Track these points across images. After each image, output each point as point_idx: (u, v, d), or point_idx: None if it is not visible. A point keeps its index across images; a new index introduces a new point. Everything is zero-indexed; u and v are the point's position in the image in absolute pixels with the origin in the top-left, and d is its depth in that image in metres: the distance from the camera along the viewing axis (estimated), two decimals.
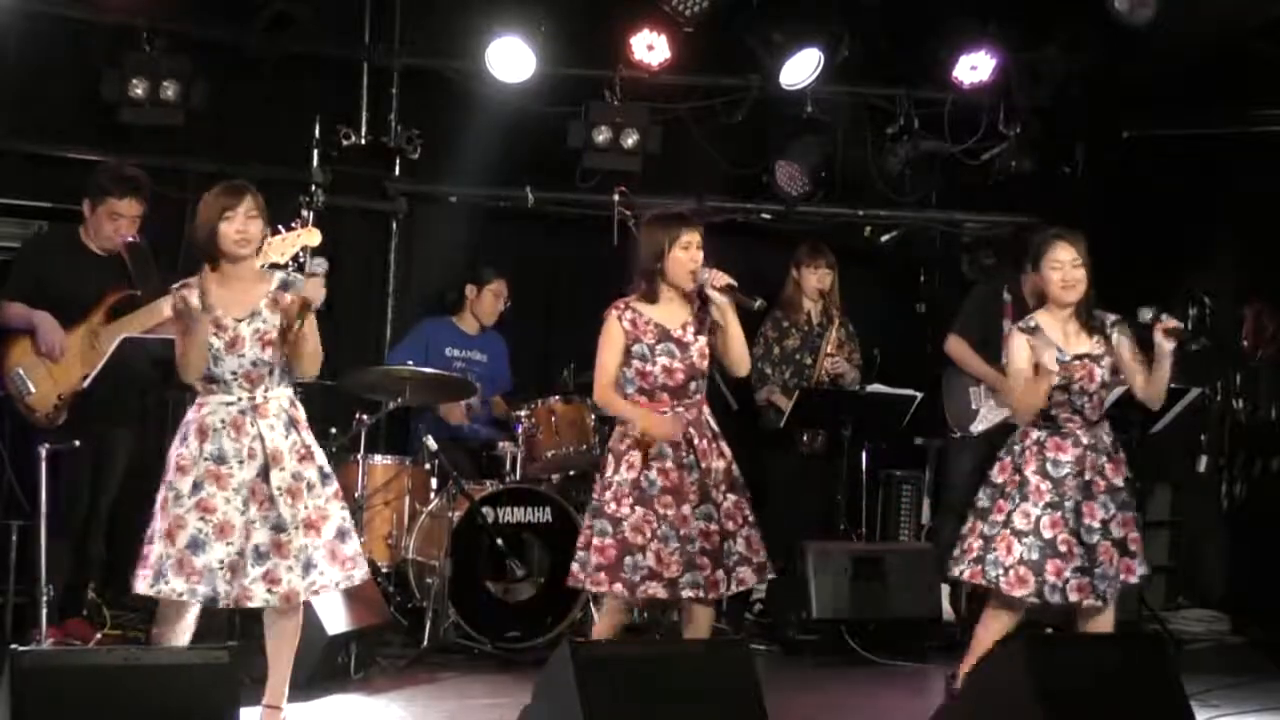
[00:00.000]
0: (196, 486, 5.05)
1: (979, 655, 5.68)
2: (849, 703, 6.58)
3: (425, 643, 6.80)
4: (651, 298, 5.58)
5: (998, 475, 5.80)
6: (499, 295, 8.15)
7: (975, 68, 8.56)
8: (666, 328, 5.55)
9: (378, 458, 7.38)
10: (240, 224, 5.13)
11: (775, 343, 8.03)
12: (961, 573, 5.79)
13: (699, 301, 5.59)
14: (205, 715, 4.26)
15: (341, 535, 5.17)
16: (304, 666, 6.07)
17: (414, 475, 7.39)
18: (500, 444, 7.60)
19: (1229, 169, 8.86)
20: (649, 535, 5.43)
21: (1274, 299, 8.96)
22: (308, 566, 5.09)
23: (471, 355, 8.09)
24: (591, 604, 7.15)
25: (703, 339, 5.58)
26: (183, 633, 5.12)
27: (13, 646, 4.23)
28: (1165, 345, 5.68)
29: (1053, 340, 5.71)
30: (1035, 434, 5.75)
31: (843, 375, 8.00)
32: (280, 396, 5.18)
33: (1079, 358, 5.71)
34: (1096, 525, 5.67)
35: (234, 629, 6.07)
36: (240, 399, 5.12)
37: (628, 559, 5.42)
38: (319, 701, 6.02)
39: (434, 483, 7.28)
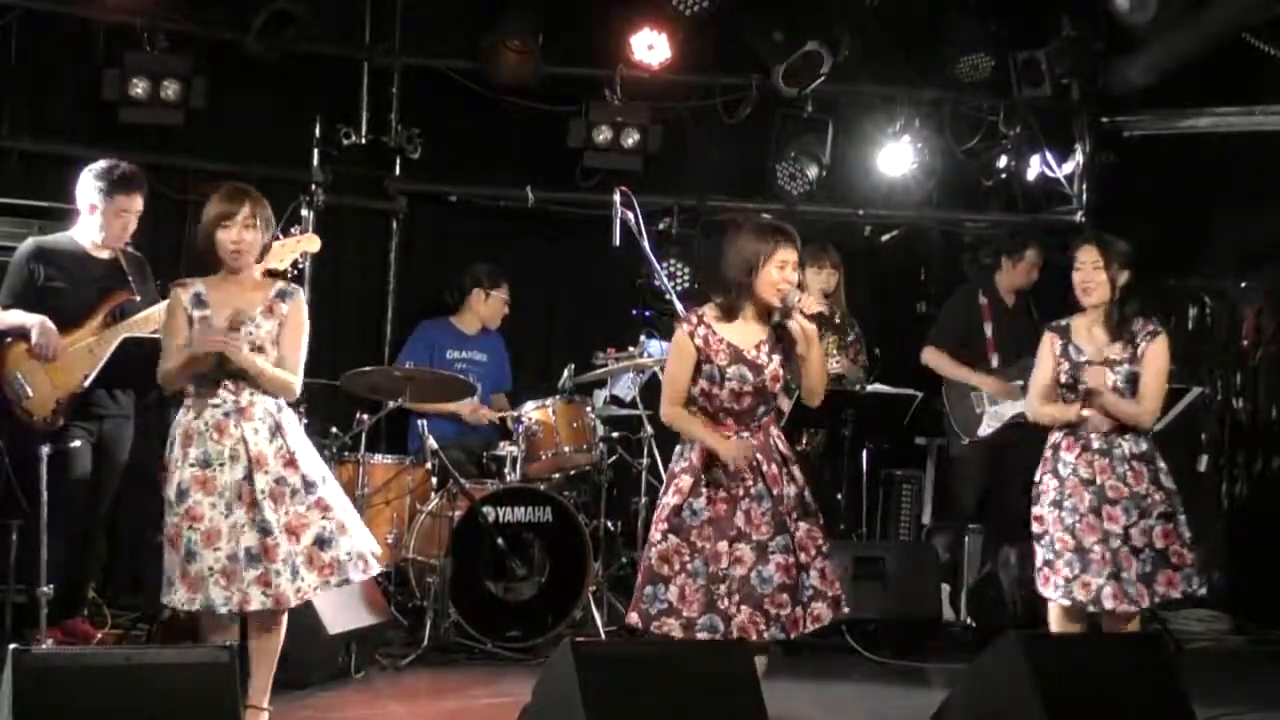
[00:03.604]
0: (183, 494, 5.06)
1: None
2: (849, 702, 6.57)
3: (425, 643, 6.79)
4: (729, 313, 5.20)
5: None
6: (505, 300, 8.16)
7: (974, 67, 8.55)
8: (739, 348, 5.16)
9: (378, 458, 7.38)
10: (236, 234, 5.12)
11: None
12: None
13: (779, 322, 5.20)
14: (205, 715, 4.26)
15: (320, 543, 5.12)
16: (304, 666, 6.09)
17: (414, 475, 7.38)
18: (500, 444, 7.62)
19: (1229, 168, 8.85)
20: (676, 567, 5.09)
21: (1274, 299, 8.96)
22: (294, 572, 5.08)
23: (472, 356, 8.09)
24: (591, 605, 7.15)
25: (776, 360, 5.19)
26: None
27: (13, 646, 4.21)
28: None
29: (1076, 340, 5.80)
30: (1055, 436, 5.86)
31: (843, 377, 7.99)
32: (266, 401, 5.17)
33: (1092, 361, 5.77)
34: (1118, 530, 5.70)
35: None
36: (225, 401, 5.12)
37: (648, 588, 5.10)
38: (319, 701, 6.02)
39: (434, 482, 7.27)
